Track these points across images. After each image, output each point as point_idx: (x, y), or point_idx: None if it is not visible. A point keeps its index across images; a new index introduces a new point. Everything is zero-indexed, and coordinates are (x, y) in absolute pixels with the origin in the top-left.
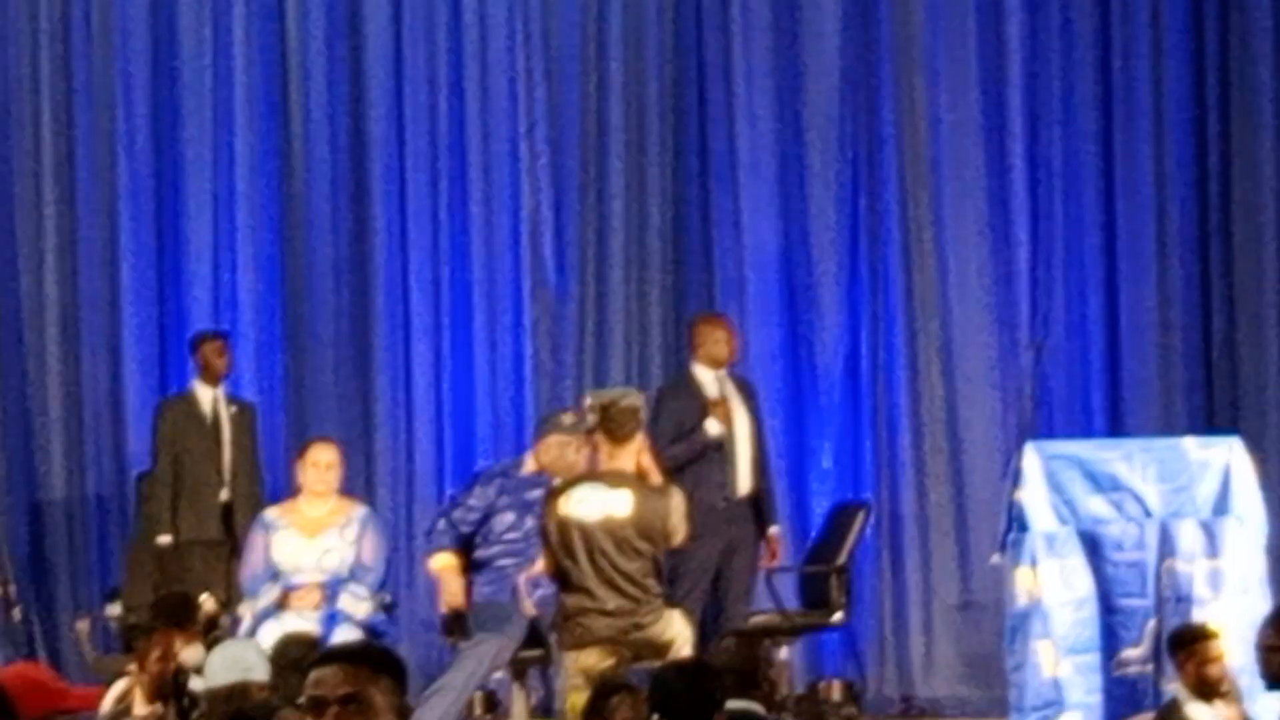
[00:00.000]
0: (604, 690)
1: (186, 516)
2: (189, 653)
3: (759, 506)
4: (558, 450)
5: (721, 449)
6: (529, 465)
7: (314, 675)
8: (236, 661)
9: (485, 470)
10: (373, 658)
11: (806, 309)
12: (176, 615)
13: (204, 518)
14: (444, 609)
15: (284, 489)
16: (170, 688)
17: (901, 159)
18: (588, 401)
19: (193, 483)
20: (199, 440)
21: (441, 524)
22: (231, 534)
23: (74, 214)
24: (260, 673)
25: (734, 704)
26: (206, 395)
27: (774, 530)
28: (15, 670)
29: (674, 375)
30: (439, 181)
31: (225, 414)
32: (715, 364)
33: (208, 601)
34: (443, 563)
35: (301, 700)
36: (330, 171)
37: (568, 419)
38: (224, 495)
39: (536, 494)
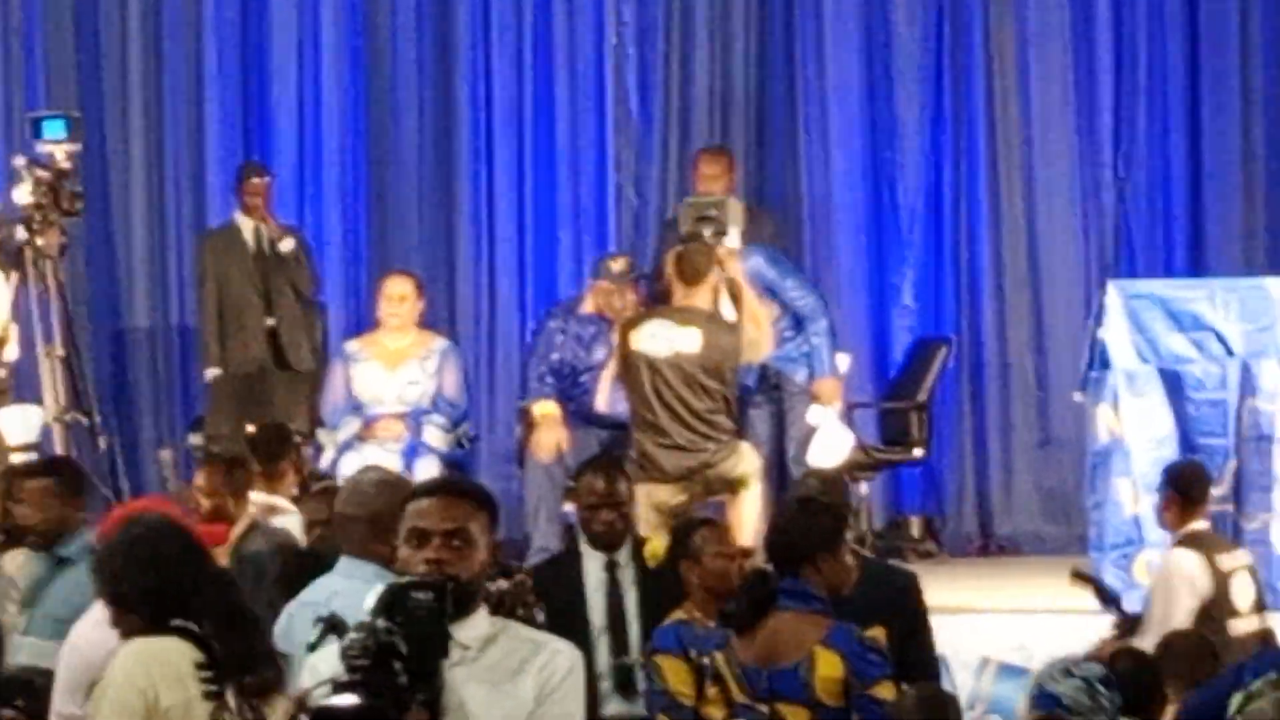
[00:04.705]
0: (686, 526)
1: (233, 347)
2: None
3: None
4: (604, 297)
5: None
6: (586, 305)
7: (416, 507)
8: None
9: (549, 309)
10: (474, 493)
11: (889, 144)
12: (273, 448)
13: (249, 346)
14: (537, 455)
15: (367, 323)
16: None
17: None
18: (682, 209)
19: (235, 313)
20: (240, 270)
21: (536, 374)
22: (284, 362)
23: (159, 47)
24: None
25: None
26: (248, 225)
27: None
28: (143, 504)
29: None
30: (523, 16)
31: (268, 241)
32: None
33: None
34: (545, 409)
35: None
36: (415, 8)
37: (617, 265)
38: (270, 321)
39: (591, 331)
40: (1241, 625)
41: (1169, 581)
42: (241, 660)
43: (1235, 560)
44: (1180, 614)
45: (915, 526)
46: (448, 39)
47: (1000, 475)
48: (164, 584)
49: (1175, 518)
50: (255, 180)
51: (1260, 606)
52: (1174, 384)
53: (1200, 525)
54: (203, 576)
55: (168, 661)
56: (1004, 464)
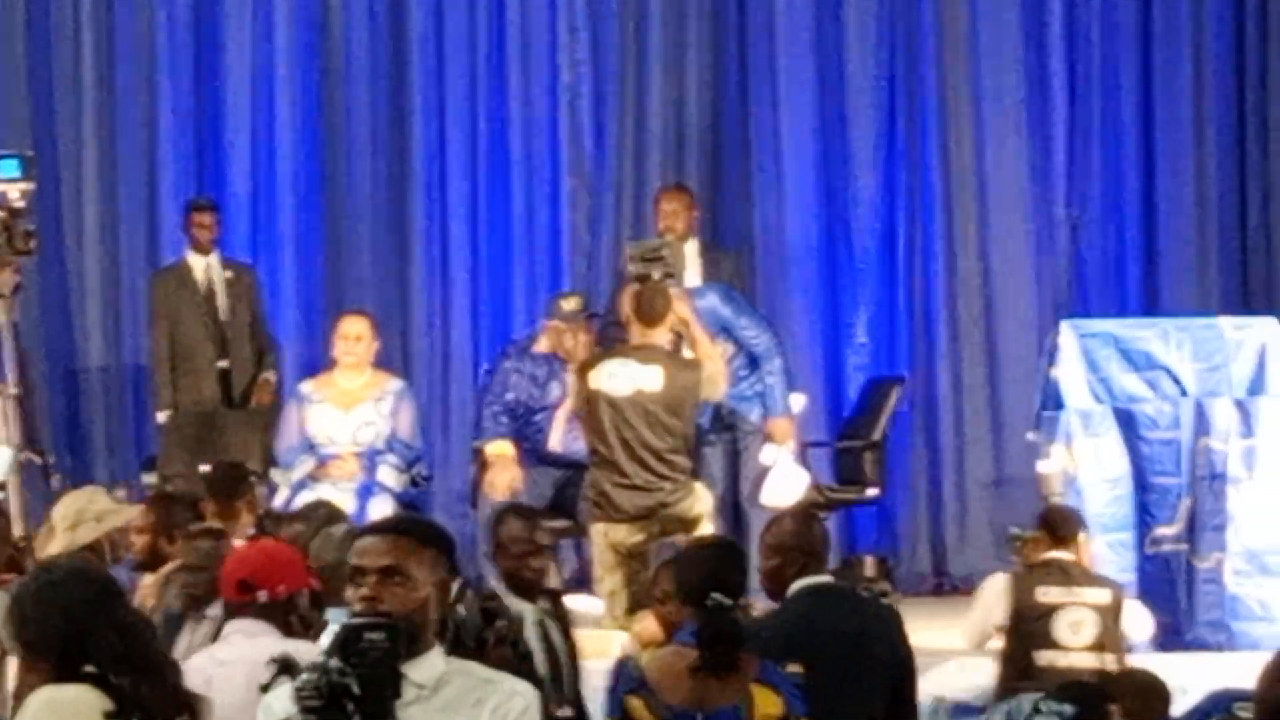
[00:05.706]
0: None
1: (185, 387)
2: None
3: None
4: (555, 336)
5: None
6: (540, 344)
7: (358, 545)
8: None
9: (503, 349)
10: (417, 531)
11: (843, 184)
12: (229, 486)
13: (201, 387)
14: (491, 495)
15: (321, 363)
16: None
17: (939, 34)
18: (627, 252)
19: (187, 353)
20: (191, 309)
21: (490, 413)
22: (231, 402)
23: (113, 87)
24: None
25: (806, 581)
26: (199, 263)
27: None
28: (263, 545)
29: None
30: (477, 56)
31: (219, 280)
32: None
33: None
34: (499, 449)
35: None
36: (369, 48)
37: (569, 304)
38: (222, 363)
39: (545, 370)
40: (1060, 659)
41: (979, 597)
42: (154, 708)
43: (1075, 596)
44: (988, 625)
45: (869, 566)
46: (402, 78)
47: (954, 514)
48: (73, 631)
49: (1035, 552)
50: (200, 215)
51: (1100, 646)
52: (1128, 423)
53: (1058, 555)
54: (115, 623)
55: (77, 711)
56: (958, 503)
